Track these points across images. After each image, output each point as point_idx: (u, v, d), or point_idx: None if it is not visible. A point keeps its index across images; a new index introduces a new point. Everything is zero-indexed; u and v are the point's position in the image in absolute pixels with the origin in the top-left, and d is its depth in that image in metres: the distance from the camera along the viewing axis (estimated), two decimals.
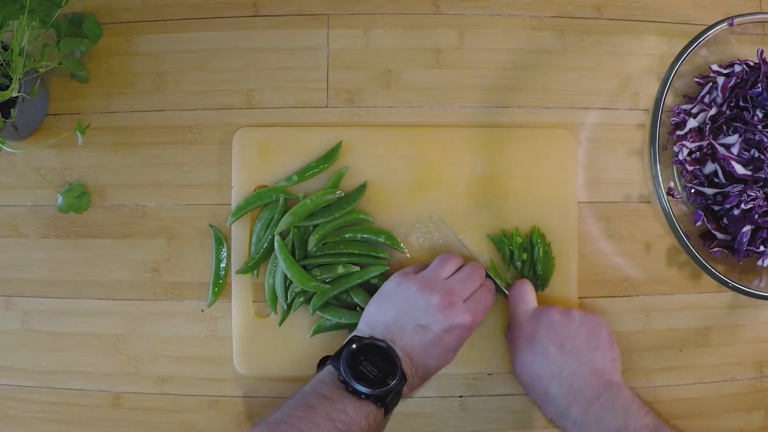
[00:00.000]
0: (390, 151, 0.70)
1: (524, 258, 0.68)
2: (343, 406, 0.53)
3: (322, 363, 0.61)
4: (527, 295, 0.65)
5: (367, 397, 0.55)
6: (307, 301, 0.68)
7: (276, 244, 0.67)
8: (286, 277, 0.67)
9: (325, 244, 0.68)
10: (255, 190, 0.69)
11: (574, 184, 0.71)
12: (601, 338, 0.62)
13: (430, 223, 0.69)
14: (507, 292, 0.67)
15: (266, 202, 0.68)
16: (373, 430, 0.55)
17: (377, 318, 0.61)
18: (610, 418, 0.56)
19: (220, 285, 0.69)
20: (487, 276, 0.67)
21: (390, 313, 0.60)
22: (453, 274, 0.63)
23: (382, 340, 0.58)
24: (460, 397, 0.70)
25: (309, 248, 0.68)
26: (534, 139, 0.71)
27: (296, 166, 0.69)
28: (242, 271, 0.68)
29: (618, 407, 0.57)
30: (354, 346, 0.57)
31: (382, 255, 0.68)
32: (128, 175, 0.71)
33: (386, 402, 0.56)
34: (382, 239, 0.68)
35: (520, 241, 0.68)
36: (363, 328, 0.61)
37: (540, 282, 0.69)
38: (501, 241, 0.68)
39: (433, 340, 0.59)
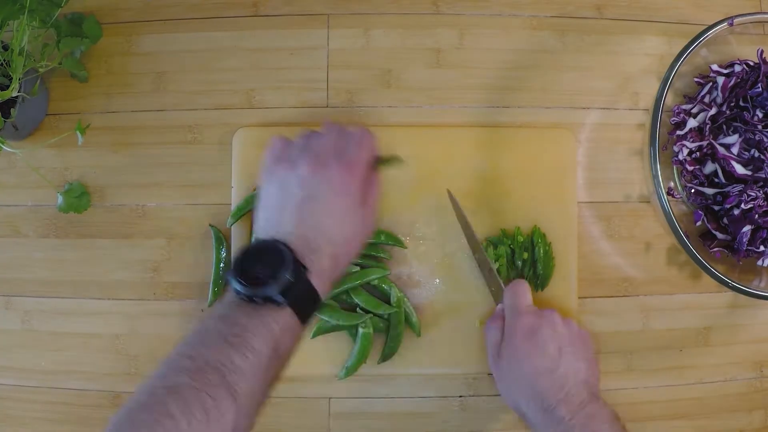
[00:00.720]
0: (390, 151, 0.70)
1: (525, 257, 0.68)
2: (236, 318, 0.48)
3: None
4: (526, 292, 0.65)
5: (266, 300, 0.48)
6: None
7: None
8: None
9: None
10: (255, 190, 0.69)
11: (574, 184, 0.70)
12: (590, 353, 0.63)
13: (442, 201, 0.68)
14: (502, 286, 0.67)
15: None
16: (283, 337, 0.49)
17: (262, 217, 0.55)
18: (598, 427, 0.57)
19: (220, 285, 0.69)
20: (490, 270, 0.67)
21: (271, 207, 0.55)
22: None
23: (266, 238, 0.51)
24: (460, 397, 0.70)
25: None
26: (534, 139, 0.71)
27: None
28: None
29: (605, 419, 0.58)
30: (239, 253, 0.50)
31: (381, 255, 0.68)
32: (128, 175, 0.71)
33: (291, 302, 0.48)
34: (382, 239, 0.68)
35: (522, 240, 0.68)
36: (255, 236, 0.55)
37: (540, 282, 0.68)
38: (500, 240, 0.68)
39: (321, 209, 0.53)
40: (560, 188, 0.70)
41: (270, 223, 0.54)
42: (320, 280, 0.51)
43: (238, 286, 0.48)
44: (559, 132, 0.71)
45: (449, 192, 0.68)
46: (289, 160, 0.55)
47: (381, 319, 0.67)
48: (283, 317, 0.48)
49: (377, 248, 0.68)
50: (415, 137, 0.70)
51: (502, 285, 0.67)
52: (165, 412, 0.42)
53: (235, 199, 0.69)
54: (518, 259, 0.68)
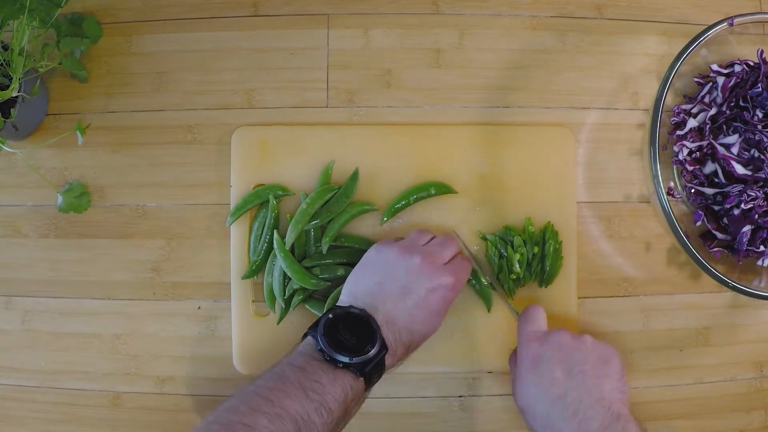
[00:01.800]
0: (390, 150, 0.70)
1: (535, 251, 0.68)
2: (317, 376, 0.52)
3: (304, 336, 0.59)
4: (539, 318, 0.62)
5: (345, 366, 0.53)
6: (306, 299, 0.67)
7: (275, 242, 0.67)
8: (284, 275, 0.67)
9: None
10: (254, 188, 0.69)
11: (574, 182, 0.70)
12: (611, 368, 0.58)
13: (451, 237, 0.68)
14: (516, 312, 0.65)
15: (264, 200, 0.68)
16: (352, 402, 0.53)
17: (358, 286, 0.60)
18: None
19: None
20: (494, 290, 0.67)
21: (371, 280, 0.59)
22: (429, 242, 0.63)
23: (360, 309, 0.57)
24: (460, 397, 0.70)
25: (320, 250, 0.68)
26: (533, 136, 0.71)
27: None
28: (247, 276, 0.68)
29: None
30: (331, 315, 0.56)
31: None
32: (128, 175, 0.71)
33: (366, 372, 0.54)
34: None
35: (532, 231, 0.68)
36: (345, 299, 0.60)
37: (546, 278, 0.68)
38: (506, 234, 0.68)
39: (417, 302, 0.58)
40: (560, 186, 0.70)
41: (369, 295, 0.58)
42: (392, 361, 0.56)
43: (323, 345, 0.53)
44: (558, 130, 0.71)
45: (455, 232, 0.69)
46: (408, 248, 0.60)
47: None
48: (357, 385, 0.53)
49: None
50: (415, 135, 0.70)
51: (516, 314, 0.65)
52: None
53: (234, 198, 0.69)
54: (529, 251, 0.68)
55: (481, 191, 0.70)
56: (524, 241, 0.68)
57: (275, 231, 0.67)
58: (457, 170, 0.70)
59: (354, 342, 0.54)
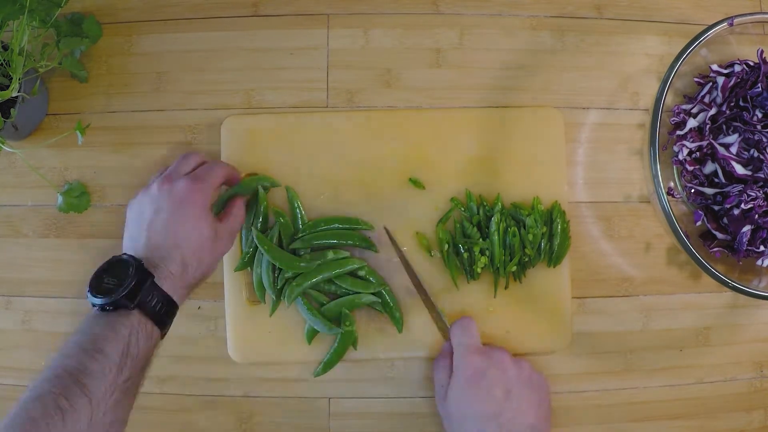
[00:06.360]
0: (380, 137, 0.70)
1: (544, 230, 0.67)
2: (90, 328, 0.53)
3: None
4: (473, 329, 0.65)
5: (115, 307, 0.53)
6: (301, 294, 0.67)
7: (255, 238, 0.67)
8: (273, 267, 0.67)
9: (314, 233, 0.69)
10: (246, 176, 0.69)
11: (563, 162, 0.70)
12: (542, 396, 0.62)
13: (384, 235, 0.69)
14: (447, 324, 0.66)
15: (251, 191, 0.68)
16: (133, 337, 0.53)
17: (125, 238, 0.60)
18: None
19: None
20: (433, 307, 0.67)
21: (134, 232, 0.59)
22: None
23: (118, 255, 0.57)
24: None
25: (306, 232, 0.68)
26: (522, 119, 0.70)
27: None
28: (239, 268, 0.68)
29: None
30: (94, 272, 0.56)
31: (366, 245, 0.69)
32: (128, 175, 0.71)
33: (139, 305, 0.54)
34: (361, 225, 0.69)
35: (543, 209, 0.68)
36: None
37: (554, 258, 0.68)
38: (516, 210, 0.68)
39: (168, 217, 0.58)
40: (550, 165, 0.70)
41: (130, 241, 0.59)
42: (171, 283, 0.56)
43: (90, 298, 0.54)
44: (545, 110, 0.71)
45: (386, 229, 0.69)
46: (148, 189, 0.61)
47: (379, 299, 0.68)
48: (131, 321, 0.53)
49: (367, 240, 0.69)
50: (405, 123, 0.70)
51: (447, 323, 0.67)
52: (27, 416, 0.46)
53: (223, 190, 0.69)
54: (537, 230, 0.67)
55: (473, 176, 0.70)
56: (535, 221, 0.68)
57: (253, 228, 0.67)
58: (446, 155, 0.70)
59: (115, 283, 0.54)
